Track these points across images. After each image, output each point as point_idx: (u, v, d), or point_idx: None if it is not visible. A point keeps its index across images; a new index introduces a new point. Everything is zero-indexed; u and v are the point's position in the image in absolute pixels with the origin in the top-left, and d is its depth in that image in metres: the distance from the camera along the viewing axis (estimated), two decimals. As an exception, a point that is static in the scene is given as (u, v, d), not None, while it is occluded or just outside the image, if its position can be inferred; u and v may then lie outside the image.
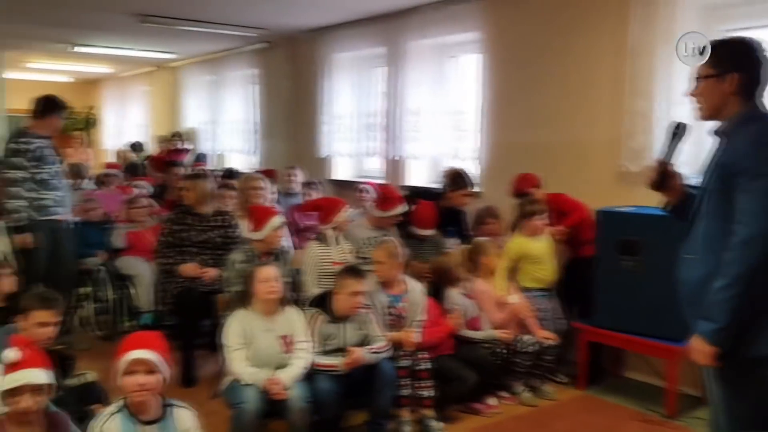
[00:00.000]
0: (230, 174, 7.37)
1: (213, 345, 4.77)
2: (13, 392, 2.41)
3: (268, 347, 3.52)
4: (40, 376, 2.46)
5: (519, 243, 4.69)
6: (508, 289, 4.57)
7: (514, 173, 5.00)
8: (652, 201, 3.60)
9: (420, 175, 6.63)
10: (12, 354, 2.43)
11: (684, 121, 2.55)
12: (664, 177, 2.49)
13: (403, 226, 4.93)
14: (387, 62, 6.64)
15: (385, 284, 4.09)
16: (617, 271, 4.24)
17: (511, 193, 4.95)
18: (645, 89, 4.56)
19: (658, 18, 4.44)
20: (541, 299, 4.64)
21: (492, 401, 4.24)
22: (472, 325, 4.32)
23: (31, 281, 4.60)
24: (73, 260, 5.30)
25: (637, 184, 3.95)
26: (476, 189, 5.45)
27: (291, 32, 7.80)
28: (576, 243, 4.73)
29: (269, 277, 3.56)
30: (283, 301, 3.63)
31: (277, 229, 4.32)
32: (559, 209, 4.75)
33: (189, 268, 4.64)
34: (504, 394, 4.36)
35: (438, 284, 4.48)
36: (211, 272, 4.63)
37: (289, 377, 3.42)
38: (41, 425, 2.52)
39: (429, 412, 3.88)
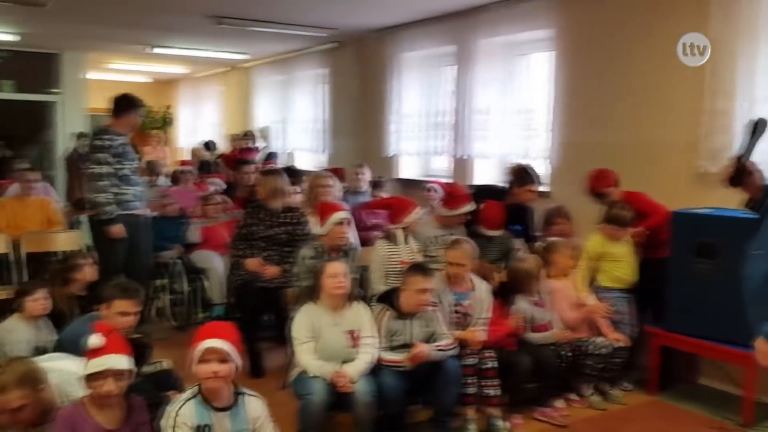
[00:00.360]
0: (291, 172, 7.47)
1: (280, 338, 4.89)
2: (96, 376, 2.53)
3: (335, 342, 3.56)
4: (122, 361, 2.58)
5: (599, 242, 4.57)
6: (586, 289, 4.49)
7: (585, 173, 4.89)
8: (731, 203, 3.51)
9: (487, 174, 6.57)
10: (96, 340, 2.55)
11: (764, 117, 2.46)
12: (741, 173, 2.41)
13: (470, 224, 4.91)
14: (456, 61, 6.62)
15: (452, 282, 4.09)
16: (692, 274, 4.12)
17: (587, 190, 4.79)
18: (726, 87, 4.41)
19: (740, 12, 4.28)
20: (620, 300, 4.52)
21: (559, 404, 4.17)
22: (538, 331, 4.25)
23: (111, 273, 4.81)
24: (150, 253, 5.48)
25: (716, 185, 3.80)
26: (544, 187, 5.37)
27: (360, 32, 7.87)
28: (649, 244, 4.58)
29: (337, 273, 3.61)
30: (351, 297, 3.67)
31: (338, 224, 4.36)
32: (638, 209, 4.55)
33: (252, 263, 4.75)
34: (572, 396, 4.29)
35: (508, 287, 4.43)
36: (272, 270, 4.72)
37: (355, 371, 3.46)
38: (120, 408, 2.64)
39: (495, 412, 3.85)
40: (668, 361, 4.50)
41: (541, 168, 5.57)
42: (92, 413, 2.55)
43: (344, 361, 3.54)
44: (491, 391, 3.85)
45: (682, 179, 4.74)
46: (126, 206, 5.04)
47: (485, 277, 4.33)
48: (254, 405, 2.73)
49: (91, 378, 2.55)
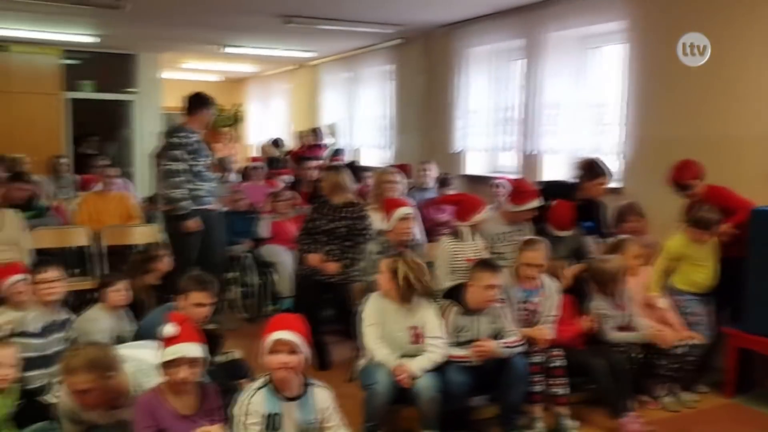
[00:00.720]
0: (353, 168, 7.51)
1: (345, 332, 4.95)
2: (171, 363, 2.63)
3: (396, 335, 3.59)
4: (195, 349, 2.67)
5: (681, 243, 4.40)
6: (658, 290, 4.37)
7: (660, 169, 4.73)
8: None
9: (557, 170, 6.47)
10: (171, 329, 2.65)
11: None
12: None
13: (538, 221, 4.84)
14: (525, 55, 6.53)
15: (520, 279, 4.05)
16: (772, 273, 3.95)
17: (670, 181, 4.59)
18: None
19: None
20: (694, 303, 4.38)
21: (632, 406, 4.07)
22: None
23: (185, 266, 4.97)
24: (223, 247, 5.62)
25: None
26: (616, 184, 5.24)
27: (426, 27, 7.86)
28: (730, 242, 4.37)
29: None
30: (416, 292, 3.66)
31: (403, 219, 4.37)
32: (722, 205, 4.33)
33: (313, 258, 4.82)
34: (645, 398, 4.19)
35: (581, 285, 4.35)
36: (332, 266, 4.77)
37: (418, 367, 3.47)
38: (195, 395, 2.73)
39: (563, 410, 3.80)
40: (746, 364, 4.34)
41: (613, 163, 5.45)
42: (168, 399, 2.65)
43: (403, 356, 3.56)
44: (559, 390, 3.79)
45: (762, 175, 4.54)
46: (200, 201, 5.16)
47: (555, 275, 4.27)
48: (322, 396, 2.78)
49: (166, 365, 2.65)
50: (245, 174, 8.18)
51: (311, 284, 4.81)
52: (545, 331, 3.88)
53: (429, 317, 3.62)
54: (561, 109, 6.21)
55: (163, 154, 5.21)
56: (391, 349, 3.55)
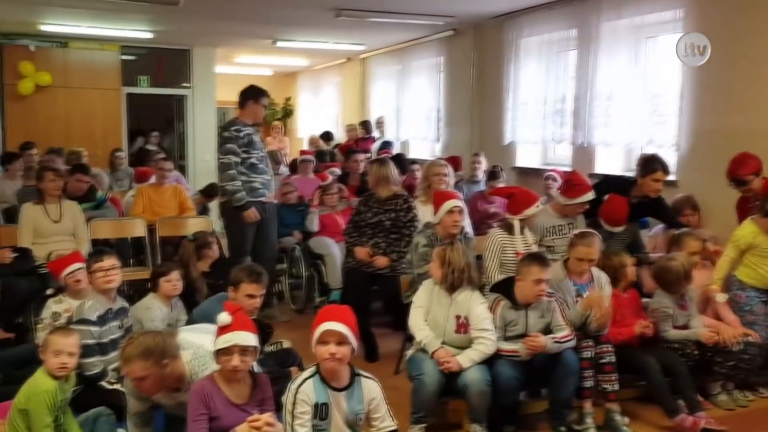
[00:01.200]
0: (399, 161, 7.50)
1: (394, 324, 4.97)
2: (225, 352, 2.68)
3: (441, 321, 3.61)
4: (248, 338, 2.72)
5: (752, 232, 4.19)
6: (720, 283, 4.24)
7: (715, 162, 4.60)
8: None
9: (610, 162, 6.35)
10: (225, 318, 2.69)
11: None
12: None
13: (590, 214, 4.76)
14: (578, 45, 6.43)
15: (571, 273, 3.99)
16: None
17: (727, 175, 4.45)
18: None
19: None
20: (754, 300, 4.20)
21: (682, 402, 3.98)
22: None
23: (240, 257, 5.08)
24: (276, 240, 5.69)
25: None
26: (672, 177, 5.09)
27: (477, 18, 7.79)
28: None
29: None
30: (463, 282, 3.65)
31: (450, 212, 4.34)
32: None
33: (361, 252, 4.84)
34: (699, 396, 4.07)
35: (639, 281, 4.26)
36: (380, 260, 4.78)
37: (466, 358, 3.46)
38: (246, 383, 2.78)
39: (614, 406, 3.73)
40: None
41: (668, 156, 5.30)
42: (222, 387, 2.70)
43: (444, 343, 3.57)
44: (608, 386, 3.73)
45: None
46: (254, 194, 5.22)
47: (619, 271, 4.15)
48: (370, 387, 2.79)
49: (219, 353, 2.70)
50: (294, 167, 8.26)
51: (359, 277, 4.84)
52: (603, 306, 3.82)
53: (476, 308, 3.60)
54: (614, 100, 6.09)
55: (219, 147, 5.32)
56: (435, 334, 3.59)
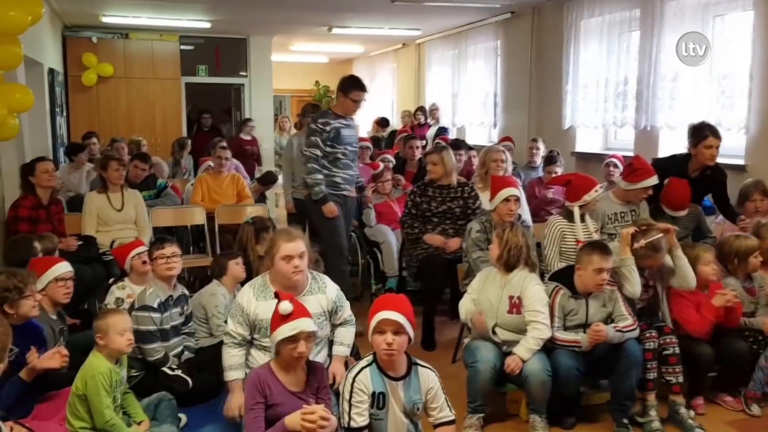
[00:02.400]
0: (455, 145, 7.42)
1: (453, 312, 4.92)
2: (290, 340, 2.68)
3: (495, 302, 3.58)
4: (311, 324, 2.73)
5: None
6: None
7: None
8: None
9: (675, 147, 6.10)
10: (287, 306, 2.69)
11: None
12: None
13: (653, 199, 4.60)
14: (641, 25, 6.21)
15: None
16: None
17: None
18: None
19: None
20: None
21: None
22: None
23: (335, 249, 5.05)
24: (349, 234, 5.46)
25: None
26: (738, 160, 4.88)
27: (535, 1, 7.62)
28: None
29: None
30: (519, 262, 3.60)
31: (506, 200, 4.25)
32: None
33: (434, 239, 4.80)
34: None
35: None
36: (455, 242, 4.74)
37: (525, 349, 3.40)
38: (303, 371, 2.79)
39: (678, 399, 3.62)
40: None
41: (737, 139, 5.09)
42: (278, 375, 2.71)
43: (496, 325, 3.55)
44: (673, 378, 3.61)
45: None
46: (335, 188, 5.08)
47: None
48: (428, 376, 2.77)
49: (284, 342, 2.70)
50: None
51: (437, 264, 4.74)
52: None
53: (531, 289, 3.54)
54: (679, 81, 5.87)
55: (306, 139, 5.18)
56: (487, 316, 3.59)
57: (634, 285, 3.68)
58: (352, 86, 5.09)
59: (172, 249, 3.80)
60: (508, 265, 3.60)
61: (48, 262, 3.68)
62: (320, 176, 5.01)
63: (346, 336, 3.43)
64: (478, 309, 3.64)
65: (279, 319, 2.72)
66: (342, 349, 3.39)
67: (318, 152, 5.01)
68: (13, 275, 3.12)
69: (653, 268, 3.85)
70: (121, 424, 2.95)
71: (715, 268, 3.89)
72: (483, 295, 3.64)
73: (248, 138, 9.31)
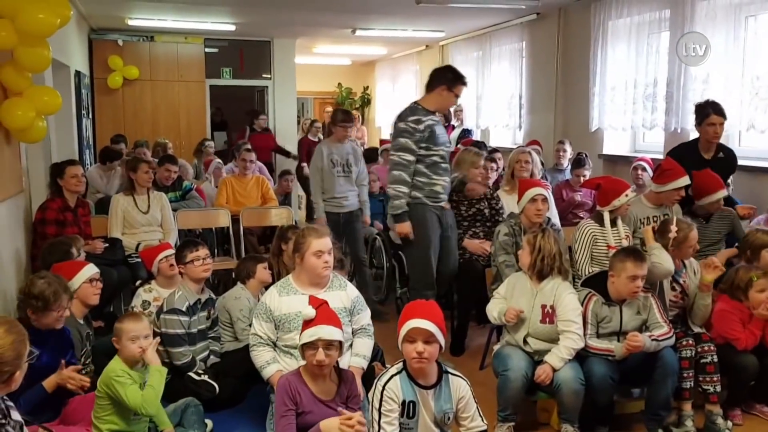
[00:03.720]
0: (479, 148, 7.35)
1: (480, 317, 4.86)
2: (309, 346, 2.65)
3: (527, 311, 3.49)
4: (333, 332, 2.67)
5: None
6: None
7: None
8: None
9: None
10: (309, 311, 2.66)
11: None
12: None
13: (687, 203, 4.50)
14: (671, 26, 6.09)
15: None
16: None
17: None
18: None
19: None
20: None
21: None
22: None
23: (422, 268, 4.41)
24: (456, 250, 4.70)
25: None
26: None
27: (562, 1, 7.53)
28: None
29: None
30: (553, 270, 3.51)
31: (532, 201, 4.17)
32: None
33: (474, 245, 4.74)
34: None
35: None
36: (487, 245, 4.67)
37: (558, 358, 3.33)
38: (333, 380, 2.74)
39: (715, 409, 3.53)
40: None
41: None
42: (308, 383, 2.66)
43: (528, 335, 3.47)
44: (710, 387, 3.52)
45: None
46: (435, 199, 4.43)
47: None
48: (459, 385, 2.71)
49: (305, 347, 2.67)
50: (369, 156, 8.23)
51: (476, 270, 4.61)
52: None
53: (565, 298, 3.45)
54: (711, 83, 5.75)
55: (392, 140, 4.50)
56: (518, 326, 3.50)
57: (667, 262, 3.63)
58: (458, 79, 4.46)
59: (205, 251, 3.80)
60: (541, 274, 3.51)
61: (77, 265, 3.68)
62: (405, 189, 4.31)
63: (362, 347, 3.33)
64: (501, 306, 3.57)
65: (304, 324, 2.72)
66: (358, 361, 3.29)
67: (410, 157, 4.31)
68: (50, 285, 3.08)
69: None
70: (153, 397, 2.87)
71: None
72: (513, 304, 3.55)
73: (259, 131, 9.59)
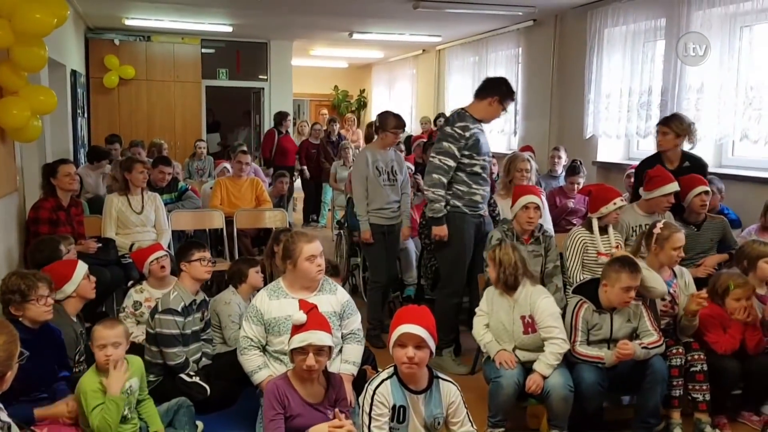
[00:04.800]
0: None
1: (471, 322, 4.86)
2: (299, 351, 2.65)
3: (509, 326, 3.51)
4: (323, 338, 2.68)
5: None
6: None
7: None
8: None
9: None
10: (300, 317, 2.66)
11: None
12: None
13: (678, 211, 4.53)
14: (666, 35, 6.13)
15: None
16: None
17: None
18: None
19: None
20: None
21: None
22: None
23: (453, 271, 4.45)
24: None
25: None
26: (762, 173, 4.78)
27: (560, 8, 7.56)
28: None
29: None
30: (518, 280, 3.50)
31: (525, 208, 4.16)
32: None
33: None
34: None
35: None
36: None
37: (545, 365, 3.34)
38: (321, 383, 2.74)
39: (704, 417, 3.54)
40: None
41: (765, 152, 4.99)
42: (296, 387, 2.67)
43: (516, 347, 3.49)
44: (699, 396, 3.54)
45: None
46: (474, 208, 4.45)
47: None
48: (449, 390, 2.72)
49: (294, 352, 2.68)
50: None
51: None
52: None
53: (539, 305, 3.45)
54: (705, 92, 5.78)
55: (436, 143, 4.50)
56: (503, 340, 3.52)
57: (660, 285, 3.62)
58: (510, 94, 4.47)
59: (209, 254, 3.85)
60: (507, 285, 3.51)
61: (72, 263, 3.65)
62: (443, 192, 4.34)
63: (352, 354, 3.34)
64: (494, 334, 3.57)
65: (294, 328, 2.71)
66: (348, 368, 3.28)
67: (451, 162, 4.32)
68: (23, 278, 3.06)
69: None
70: (104, 428, 2.81)
71: (746, 304, 3.62)
72: (494, 320, 3.56)
73: (285, 133, 9.50)
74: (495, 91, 4.42)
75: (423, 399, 2.67)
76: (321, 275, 3.30)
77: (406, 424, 2.64)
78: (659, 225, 3.81)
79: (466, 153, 4.35)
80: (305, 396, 2.67)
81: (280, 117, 9.68)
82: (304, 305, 2.80)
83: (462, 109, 4.50)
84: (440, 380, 2.72)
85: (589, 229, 4.22)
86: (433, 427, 2.69)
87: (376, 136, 5.22)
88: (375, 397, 2.62)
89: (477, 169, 4.40)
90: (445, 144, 4.34)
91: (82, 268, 3.59)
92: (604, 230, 4.20)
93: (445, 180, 4.33)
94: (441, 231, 4.38)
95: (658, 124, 4.77)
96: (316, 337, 2.67)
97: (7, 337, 2.21)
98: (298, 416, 2.62)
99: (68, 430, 2.89)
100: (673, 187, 4.31)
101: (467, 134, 4.33)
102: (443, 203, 4.34)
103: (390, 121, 5.07)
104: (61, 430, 2.84)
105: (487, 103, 4.44)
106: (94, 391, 2.85)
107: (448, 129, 4.38)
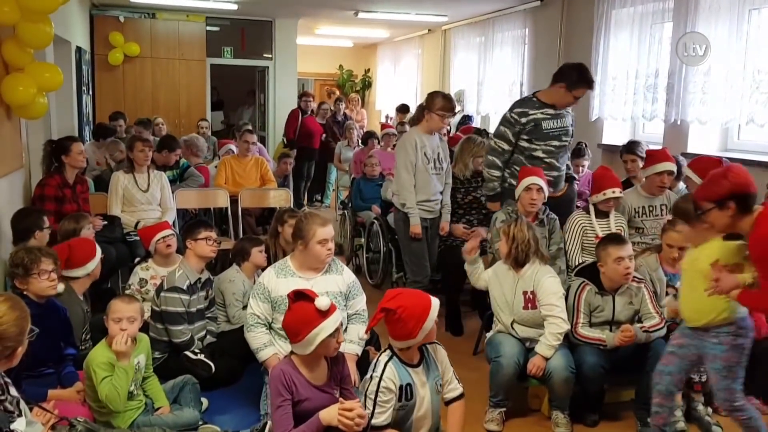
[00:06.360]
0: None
1: (474, 303, 4.90)
2: (332, 334, 2.62)
3: (510, 299, 3.56)
4: (342, 317, 2.73)
5: None
6: None
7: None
8: None
9: (705, 142, 6.01)
10: (325, 302, 2.62)
11: None
12: None
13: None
14: (674, 17, 6.08)
15: (663, 261, 3.81)
16: None
17: None
18: None
19: None
20: None
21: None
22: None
23: None
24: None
25: None
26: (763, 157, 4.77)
27: (566, -11, 7.51)
28: None
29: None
30: (529, 257, 3.54)
31: (528, 189, 4.15)
32: None
33: (458, 229, 4.76)
34: None
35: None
36: (481, 232, 4.68)
37: (544, 347, 3.37)
38: (324, 363, 2.75)
39: (697, 396, 3.57)
40: None
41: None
42: (301, 370, 2.66)
43: (514, 321, 3.53)
44: (695, 376, 3.56)
45: None
46: None
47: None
48: (437, 349, 2.78)
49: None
50: (364, 140, 8.26)
51: (454, 254, 4.61)
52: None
53: (543, 283, 3.49)
54: (712, 75, 5.74)
55: (498, 127, 4.56)
56: (503, 312, 3.58)
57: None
58: (580, 82, 4.31)
59: (215, 234, 3.90)
60: (517, 261, 3.55)
61: (93, 245, 3.68)
62: (498, 173, 4.44)
63: (357, 334, 3.34)
64: (494, 305, 3.66)
65: (318, 316, 2.57)
66: (353, 347, 3.29)
67: (506, 146, 4.40)
68: (28, 252, 3.12)
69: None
70: (114, 397, 2.87)
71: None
72: (497, 292, 3.62)
73: (309, 114, 9.38)
74: (564, 78, 4.34)
75: (422, 370, 2.70)
76: (330, 258, 3.31)
77: (414, 400, 2.66)
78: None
79: (525, 137, 4.37)
80: (311, 378, 2.65)
81: (304, 96, 9.58)
82: (311, 291, 2.76)
83: (532, 93, 4.53)
84: (427, 346, 2.74)
85: (588, 211, 4.26)
86: (437, 391, 2.72)
87: (423, 119, 4.76)
88: (382, 383, 2.59)
89: (539, 153, 4.38)
90: (501, 128, 4.46)
91: (99, 252, 3.64)
92: (606, 214, 4.22)
93: (499, 162, 4.44)
94: (495, 206, 4.51)
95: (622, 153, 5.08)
96: (339, 316, 2.67)
97: (20, 312, 2.24)
98: (306, 400, 2.60)
99: (75, 406, 2.94)
100: (667, 166, 4.34)
101: (523, 120, 4.34)
102: (497, 183, 4.47)
103: (437, 102, 4.59)
104: (68, 405, 2.88)
105: (555, 90, 4.38)
106: (104, 363, 2.90)
107: (507, 114, 4.45)
